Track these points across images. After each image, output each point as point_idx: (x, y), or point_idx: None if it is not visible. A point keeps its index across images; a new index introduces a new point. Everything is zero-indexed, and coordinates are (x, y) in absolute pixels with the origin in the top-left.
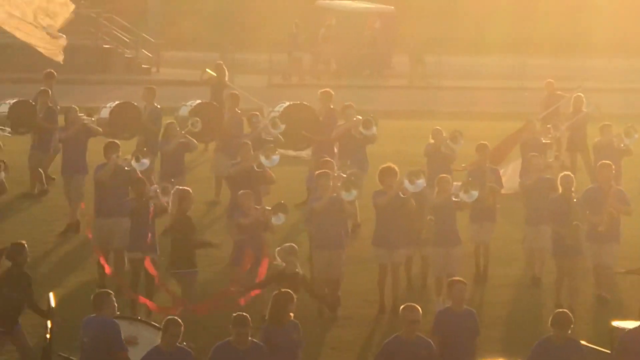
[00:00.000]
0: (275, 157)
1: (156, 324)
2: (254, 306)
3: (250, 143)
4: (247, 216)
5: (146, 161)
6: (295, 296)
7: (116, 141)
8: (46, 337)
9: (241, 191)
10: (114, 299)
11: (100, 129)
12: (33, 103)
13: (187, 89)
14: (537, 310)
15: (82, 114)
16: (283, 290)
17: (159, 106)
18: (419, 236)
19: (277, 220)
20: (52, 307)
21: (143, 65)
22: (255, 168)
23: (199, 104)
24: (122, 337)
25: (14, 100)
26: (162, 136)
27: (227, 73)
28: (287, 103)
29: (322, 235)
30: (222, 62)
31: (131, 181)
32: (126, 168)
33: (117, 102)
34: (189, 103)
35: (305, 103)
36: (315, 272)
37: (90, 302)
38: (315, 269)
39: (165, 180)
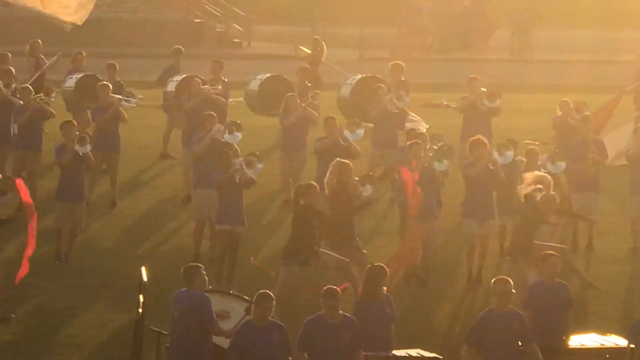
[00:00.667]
0: (360, 131)
1: (248, 298)
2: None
3: (335, 117)
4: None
5: (239, 134)
6: (388, 270)
7: (213, 113)
8: (138, 312)
9: (336, 160)
10: (205, 272)
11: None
12: (100, 77)
13: (278, 62)
14: (634, 284)
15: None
16: (376, 264)
17: (226, 79)
18: (509, 206)
19: (366, 191)
20: (144, 282)
21: (234, 40)
22: (341, 142)
23: (268, 77)
24: (214, 311)
25: (81, 75)
26: (283, 109)
27: (325, 48)
28: (359, 76)
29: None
30: (319, 37)
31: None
32: (222, 140)
33: (182, 76)
34: (259, 77)
35: (378, 75)
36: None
37: (181, 276)
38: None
39: (287, 153)
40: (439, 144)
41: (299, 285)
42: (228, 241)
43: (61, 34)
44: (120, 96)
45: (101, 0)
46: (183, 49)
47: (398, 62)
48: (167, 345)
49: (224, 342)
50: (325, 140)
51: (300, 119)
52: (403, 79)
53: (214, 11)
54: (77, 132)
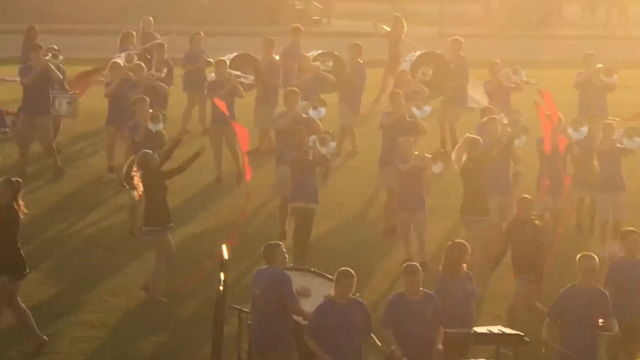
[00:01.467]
0: (427, 108)
1: (329, 275)
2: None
3: (402, 93)
4: (407, 162)
5: (323, 110)
6: (469, 247)
7: (297, 90)
8: (219, 289)
9: (402, 138)
10: (285, 250)
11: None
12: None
13: (357, 40)
14: None
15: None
16: (457, 241)
17: (277, 57)
18: (587, 180)
19: (437, 168)
20: (225, 260)
21: (313, 17)
22: (407, 118)
23: (320, 53)
24: (294, 289)
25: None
26: (394, 86)
27: (405, 26)
28: (419, 52)
29: (492, 182)
30: (399, 15)
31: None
32: (304, 116)
33: (235, 54)
34: (309, 54)
35: (438, 51)
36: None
37: (261, 254)
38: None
39: None
40: (517, 120)
41: None
42: (302, 218)
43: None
44: (237, 72)
45: None
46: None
47: (457, 37)
48: (249, 322)
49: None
50: (392, 115)
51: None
52: (462, 54)
53: None
54: (150, 110)
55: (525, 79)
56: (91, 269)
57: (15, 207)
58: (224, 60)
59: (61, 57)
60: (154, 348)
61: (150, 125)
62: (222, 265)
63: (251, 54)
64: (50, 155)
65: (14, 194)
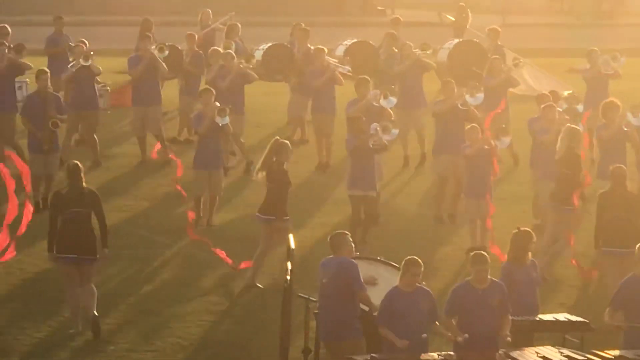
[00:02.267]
0: (480, 95)
1: (395, 264)
2: None
3: (453, 81)
4: (472, 147)
5: (394, 99)
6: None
7: (367, 77)
8: (287, 278)
9: (469, 126)
10: (351, 239)
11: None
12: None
13: (422, 29)
14: None
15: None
16: (522, 229)
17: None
18: None
19: (502, 144)
20: (292, 249)
21: (378, 7)
22: (460, 106)
23: (354, 42)
24: (361, 277)
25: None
26: (487, 72)
27: (469, 15)
28: (456, 40)
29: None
30: (464, 4)
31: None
32: (375, 104)
33: (269, 44)
34: (345, 42)
35: (475, 40)
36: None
37: (329, 243)
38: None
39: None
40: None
41: None
42: (358, 206)
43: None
44: (335, 60)
45: None
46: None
47: (495, 27)
48: (316, 311)
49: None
50: (444, 103)
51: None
52: (499, 43)
53: None
54: (217, 103)
55: (588, 66)
56: (155, 257)
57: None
58: (322, 49)
59: (167, 52)
60: (223, 337)
61: (217, 119)
62: (289, 254)
63: (286, 44)
64: (161, 143)
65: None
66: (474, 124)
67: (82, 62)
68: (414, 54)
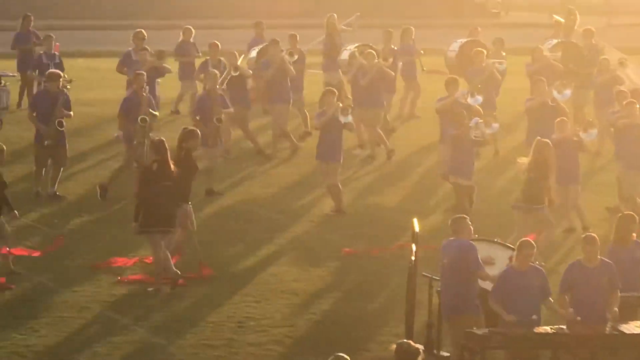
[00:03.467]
0: (567, 92)
1: (510, 245)
2: None
3: (544, 79)
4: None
5: (480, 97)
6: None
7: (457, 77)
8: (411, 259)
9: (559, 119)
10: (470, 222)
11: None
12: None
13: (533, 31)
14: None
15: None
16: (627, 212)
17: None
18: None
19: (589, 136)
20: (416, 232)
21: (492, 10)
22: (550, 102)
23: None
24: (480, 258)
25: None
26: (597, 71)
27: (577, 17)
28: (555, 41)
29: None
30: (573, 7)
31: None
32: (462, 102)
33: (356, 44)
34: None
35: (573, 41)
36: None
37: (449, 226)
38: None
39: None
40: None
41: None
42: (465, 194)
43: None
44: (496, 60)
45: None
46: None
47: (589, 28)
48: (438, 289)
49: (488, 285)
50: (535, 100)
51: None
52: (594, 42)
53: None
54: (340, 103)
55: None
56: (293, 240)
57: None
58: (482, 51)
59: (296, 56)
60: (354, 313)
61: (341, 117)
62: (414, 237)
63: (371, 44)
64: (287, 139)
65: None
66: (563, 117)
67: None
68: (545, 57)
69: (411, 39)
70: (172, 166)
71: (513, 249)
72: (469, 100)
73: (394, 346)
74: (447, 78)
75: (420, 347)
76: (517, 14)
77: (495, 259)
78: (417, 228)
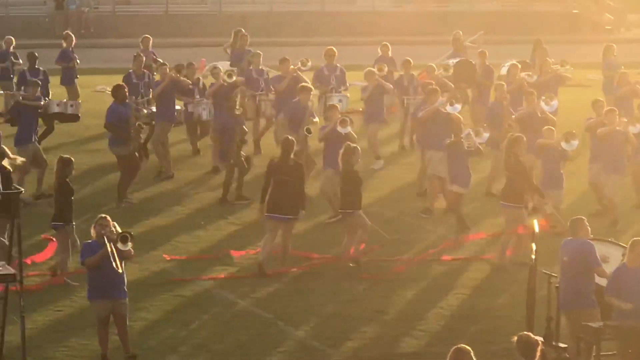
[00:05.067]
0: (554, 103)
1: (623, 244)
2: None
3: (534, 92)
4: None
5: (458, 106)
6: None
7: (437, 88)
8: (532, 258)
9: (546, 127)
10: (588, 224)
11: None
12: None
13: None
14: None
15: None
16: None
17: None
18: None
19: (570, 147)
20: (536, 232)
21: (606, 27)
22: (539, 114)
23: (458, 61)
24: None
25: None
26: (617, 83)
27: None
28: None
29: None
30: None
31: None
32: (442, 110)
33: (457, 59)
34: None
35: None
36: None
37: (568, 226)
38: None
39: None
40: None
41: None
42: (460, 202)
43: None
44: (526, 73)
45: None
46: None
47: (610, 44)
48: (557, 285)
49: (603, 281)
50: (524, 110)
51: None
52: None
53: (589, 4)
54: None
55: None
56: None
57: None
58: (516, 65)
59: (309, 64)
60: (481, 307)
61: (339, 128)
62: (534, 237)
63: (471, 60)
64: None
65: None
66: (549, 127)
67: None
68: (553, 69)
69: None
70: (291, 163)
71: (625, 247)
72: (448, 108)
73: (516, 338)
74: (429, 88)
75: (540, 338)
76: (633, 31)
77: (609, 257)
78: (536, 228)
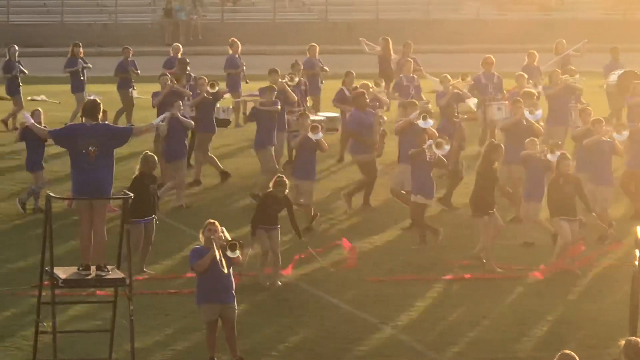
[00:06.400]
0: (538, 112)
1: None
2: None
3: (521, 100)
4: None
5: (431, 121)
6: None
7: (415, 101)
8: (635, 264)
9: (528, 139)
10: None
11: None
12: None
13: None
14: None
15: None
16: None
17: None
18: None
19: (553, 157)
20: (639, 239)
21: None
22: (524, 122)
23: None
24: None
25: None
26: (630, 93)
27: None
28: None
29: None
30: None
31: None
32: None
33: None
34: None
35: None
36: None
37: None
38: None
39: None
40: None
41: None
42: (422, 212)
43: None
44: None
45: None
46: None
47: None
48: None
49: None
50: (511, 119)
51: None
52: None
53: None
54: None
55: None
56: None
57: None
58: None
59: (297, 79)
60: (580, 312)
61: (310, 134)
62: (637, 243)
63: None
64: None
65: None
66: (532, 138)
67: (209, 89)
68: (562, 80)
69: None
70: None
71: None
72: (420, 123)
73: (624, 342)
74: (405, 101)
75: None
76: None
77: None
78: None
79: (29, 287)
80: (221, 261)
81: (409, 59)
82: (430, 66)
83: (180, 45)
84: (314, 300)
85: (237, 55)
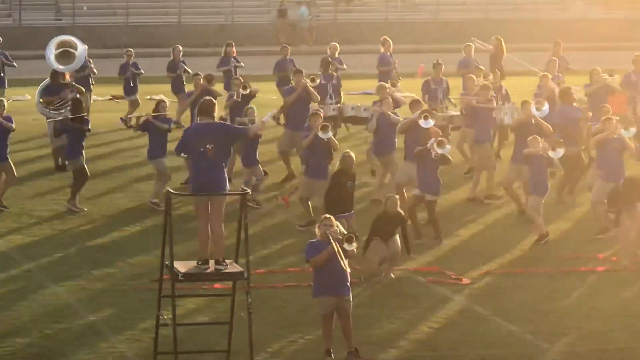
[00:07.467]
0: (545, 108)
1: None
2: None
3: (530, 101)
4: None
5: (432, 121)
6: None
7: (419, 99)
8: None
9: (530, 137)
10: None
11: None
12: None
13: None
14: None
15: None
16: None
17: None
18: None
19: (556, 154)
20: None
21: None
22: (533, 121)
23: None
24: None
25: None
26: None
27: None
28: None
29: None
30: None
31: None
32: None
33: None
34: None
35: None
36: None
37: None
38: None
39: None
40: None
41: None
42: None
43: None
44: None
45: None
46: None
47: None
48: None
49: None
50: (519, 119)
51: None
52: None
53: None
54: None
55: None
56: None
57: None
58: None
59: (318, 81)
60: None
61: (320, 134)
62: None
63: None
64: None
65: None
66: (534, 136)
67: (242, 91)
68: (602, 78)
69: None
70: None
71: None
72: (420, 122)
73: None
74: (411, 99)
75: None
76: None
77: None
78: None
79: (150, 281)
80: (340, 255)
81: (554, 58)
82: (540, 65)
83: (234, 45)
84: (427, 292)
85: (388, 53)
